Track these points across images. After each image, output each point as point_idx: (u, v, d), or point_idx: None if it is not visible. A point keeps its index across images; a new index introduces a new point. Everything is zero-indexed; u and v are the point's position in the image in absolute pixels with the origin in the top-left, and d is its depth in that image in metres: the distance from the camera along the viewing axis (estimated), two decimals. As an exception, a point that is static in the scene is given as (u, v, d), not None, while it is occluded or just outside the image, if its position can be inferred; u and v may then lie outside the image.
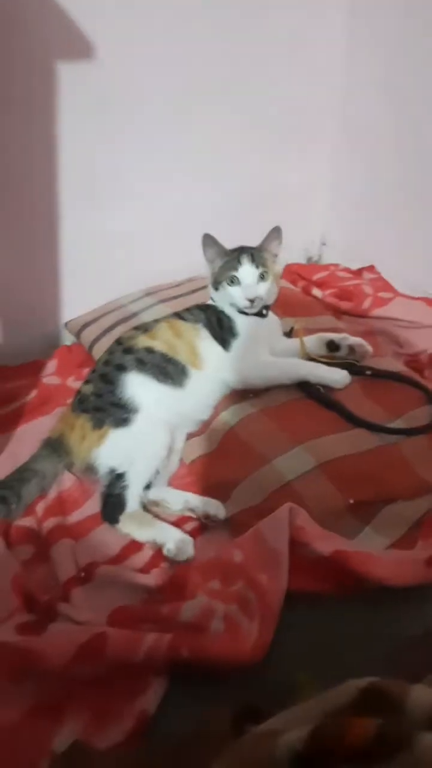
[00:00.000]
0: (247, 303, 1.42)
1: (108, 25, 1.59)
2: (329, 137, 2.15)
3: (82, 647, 0.96)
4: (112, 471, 1.30)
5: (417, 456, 1.31)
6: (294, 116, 2.03)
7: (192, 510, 1.29)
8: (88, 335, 1.74)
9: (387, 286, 2.00)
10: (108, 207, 1.78)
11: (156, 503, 1.31)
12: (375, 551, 1.15)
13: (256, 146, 2.00)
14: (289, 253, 2.01)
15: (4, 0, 1.43)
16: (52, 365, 1.72)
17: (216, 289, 1.47)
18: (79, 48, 1.57)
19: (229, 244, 1.48)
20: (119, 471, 1.29)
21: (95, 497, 1.33)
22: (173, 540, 1.21)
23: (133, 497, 1.27)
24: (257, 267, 1.42)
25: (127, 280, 1.84)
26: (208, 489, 1.33)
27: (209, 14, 1.76)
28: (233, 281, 1.43)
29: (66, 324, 1.84)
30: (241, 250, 1.44)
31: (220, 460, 1.36)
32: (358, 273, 2.10)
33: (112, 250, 1.83)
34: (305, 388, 1.42)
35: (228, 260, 1.44)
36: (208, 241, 1.45)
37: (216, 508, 1.27)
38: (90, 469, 1.32)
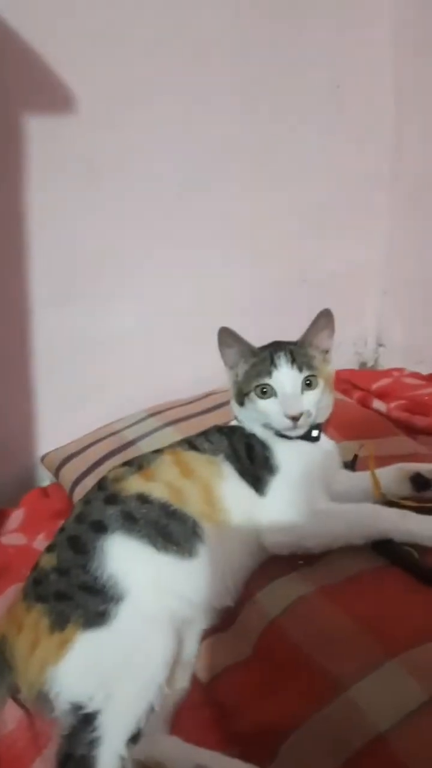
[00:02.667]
0: (289, 423, 1.03)
1: (93, 74, 1.36)
2: (382, 211, 1.92)
3: None
4: (76, 708, 0.81)
5: None
6: (337, 185, 1.82)
7: (210, 785, 0.78)
8: (70, 473, 1.45)
9: (471, 395, 1.69)
10: (96, 305, 1.54)
11: (148, 769, 0.81)
12: None
13: (292, 224, 1.75)
14: (337, 357, 1.69)
15: None
16: (16, 517, 1.40)
17: (241, 404, 1.09)
18: (53, 98, 1.32)
19: (258, 343, 1.12)
20: (89, 709, 0.81)
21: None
22: None
23: (108, 761, 0.77)
24: (300, 370, 1.04)
25: (121, 398, 1.59)
26: (238, 737, 0.83)
27: (237, 55, 1.55)
28: (266, 392, 1.05)
29: (42, 458, 1.57)
30: (276, 347, 1.07)
31: (258, 681, 0.88)
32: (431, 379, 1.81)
33: (103, 361, 1.59)
34: (386, 549, 0.99)
35: (257, 362, 1.07)
36: (227, 337, 1.08)
37: (252, 784, 0.76)
38: (43, 698, 0.85)
